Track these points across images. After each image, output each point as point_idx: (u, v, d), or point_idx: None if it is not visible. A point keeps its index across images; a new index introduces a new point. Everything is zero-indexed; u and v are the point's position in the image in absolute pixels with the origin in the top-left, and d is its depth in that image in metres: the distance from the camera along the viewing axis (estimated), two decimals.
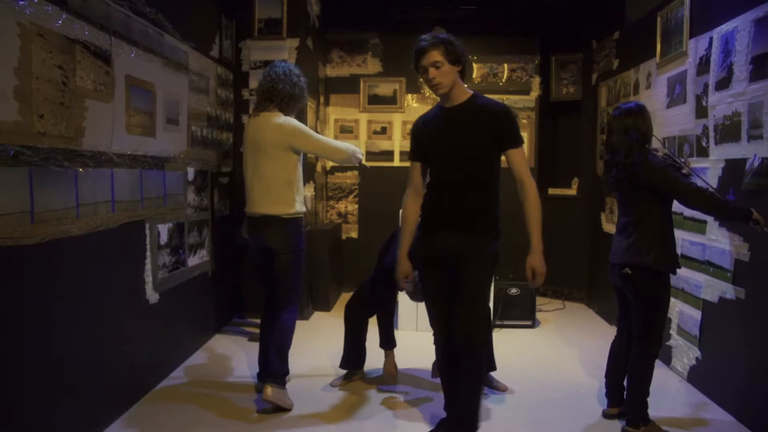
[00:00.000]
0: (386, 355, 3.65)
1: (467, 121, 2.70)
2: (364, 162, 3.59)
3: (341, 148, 3.43)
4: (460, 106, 2.72)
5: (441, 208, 2.78)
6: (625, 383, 3.15)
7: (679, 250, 3.80)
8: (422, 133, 2.84)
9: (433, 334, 2.91)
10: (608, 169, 3.12)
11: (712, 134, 3.43)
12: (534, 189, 2.69)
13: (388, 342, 3.62)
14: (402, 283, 2.86)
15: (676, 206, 3.84)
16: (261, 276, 3.48)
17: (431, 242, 2.80)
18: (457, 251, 2.72)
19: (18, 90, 2.27)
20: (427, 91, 6.26)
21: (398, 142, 6.27)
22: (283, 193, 3.30)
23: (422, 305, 3.10)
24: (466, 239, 2.72)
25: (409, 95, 6.30)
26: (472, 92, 2.76)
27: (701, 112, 3.55)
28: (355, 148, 3.51)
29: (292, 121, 3.34)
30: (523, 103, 6.26)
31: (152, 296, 3.48)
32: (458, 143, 2.70)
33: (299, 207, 3.37)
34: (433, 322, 2.89)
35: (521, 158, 2.70)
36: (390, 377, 3.64)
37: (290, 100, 3.36)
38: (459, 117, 2.71)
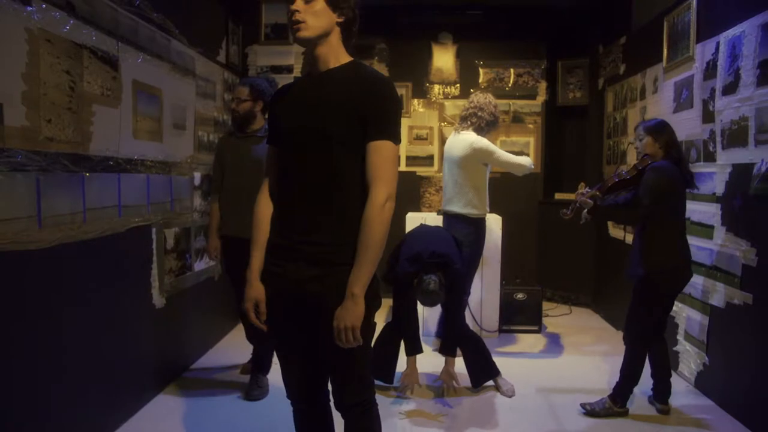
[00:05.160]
0: (408, 362, 3.56)
1: (330, 92, 1.86)
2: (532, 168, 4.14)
3: (520, 162, 4.04)
4: (329, 73, 1.90)
5: (287, 225, 1.93)
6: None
7: None
8: (277, 105, 2.02)
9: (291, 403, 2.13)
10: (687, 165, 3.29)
11: (719, 139, 3.42)
12: (379, 203, 1.78)
13: (410, 348, 3.52)
14: (251, 314, 1.98)
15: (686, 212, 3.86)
16: None
17: (276, 280, 1.95)
18: (312, 296, 1.86)
19: (26, 95, 2.29)
20: (434, 96, 6.27)
21: (404, 146, 6.27)
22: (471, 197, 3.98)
23: (427, 308, 3.12)
24: (321, 276, 1.85)
25: (416, 100, 6.30)
26: (352, 59, 1.94)
27: (708, 116, 3.54)
28: (530, 160, 4.10)
29: (482, 141, 3.95)
30: (529, 108, 6.25)
31: (159, 301, 3.49)
32: (312, 122, 1.86)
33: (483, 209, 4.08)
34: (286, 383, 2.10)
35: (383, 156, 1.81)
36: (408, 385, 3.53)
37: (486, 127, 4.02)
38: (322, 87, 1.89)
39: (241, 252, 3.33)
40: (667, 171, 3.13)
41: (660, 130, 3.26)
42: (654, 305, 3.22)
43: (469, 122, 4.02)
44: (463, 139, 3.98)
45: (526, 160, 4.11)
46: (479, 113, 3.99)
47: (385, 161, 1.82)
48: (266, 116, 3.48)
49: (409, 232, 3.68)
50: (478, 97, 4.04)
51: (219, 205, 3.62)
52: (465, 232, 3.97)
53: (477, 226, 4.01)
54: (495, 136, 6.26)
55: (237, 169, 3.50)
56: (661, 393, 3.39)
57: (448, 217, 4.09)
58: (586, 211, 3.36)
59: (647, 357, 3.32)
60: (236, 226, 3.45)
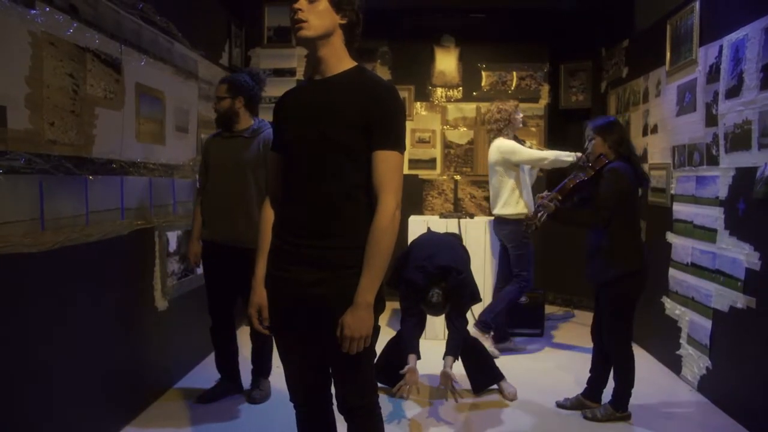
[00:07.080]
0: (408, 359, 3.37)
1: (333, 98, 1.84)
2: (572, 159, 4.31)
3: (541, 156, 4.43)
4: (333, 79, 1.88)
5: (290, 230, 1.90)
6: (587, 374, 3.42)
7: (689, 259, 3.81)
8: (280, 111, 2.00)
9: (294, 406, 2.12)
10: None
11: (722, 142, 3.41)
12: (389, 213, 1.78)
13: (408, 347, 3.38)
14: (255, 320, 1.99)
15: (686, 215, 3.84)
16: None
17: (278, 284, 1.93)
18: (314, 298, 1.84)
19: (29, 98, 2.29)
20: (436, 99, 6.27)
21: (407, 149, 6.22)
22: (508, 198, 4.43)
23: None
24: (325, 280, 1.83)
25: (418, 103, 6.30)
26: (356, 64, 1.92)
27: (711, 120, 3.54)
28: (559, 153, 4.39)
29: (505, 143, 4.43)
30: (532, 111, 6.24)
31: (161, 303, 3.49)
32: (315, 128, 1.84)
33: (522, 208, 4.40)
34: (289, 386, 2.09)
35: (390, 166, 1.81)
36: (407, 382, 3.23)
37: (504, 128, 4.48)
38: (324, 92, 1.87)
39: (219, 258, 3.34)
40: (626, 171, 3.19)
41: (609, 129, 3.27)
42: (632, 306, 3.21)
43: (491, 129, 4.56)
44: (493, 145, 4.51)
45: (551, 153, 4.41)
46: (494, 117, 4.49)
47: (392, 171, 1.82)
48: (252, 115, 3.42)
49: (416, 240, 3.68)
50: (490, 106, 4.59)
51: (201, 208, 3.42)
52: (504, 232, 4.45)
53: (516, 225, 4.28)
54: None
55: (219, 170, 3.34)
56: (599, 390, 3.40)
57: (494, 219, 4.59)
58: (545, 216, 3.34)
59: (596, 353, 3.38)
60: (215, 231, 3.33)
